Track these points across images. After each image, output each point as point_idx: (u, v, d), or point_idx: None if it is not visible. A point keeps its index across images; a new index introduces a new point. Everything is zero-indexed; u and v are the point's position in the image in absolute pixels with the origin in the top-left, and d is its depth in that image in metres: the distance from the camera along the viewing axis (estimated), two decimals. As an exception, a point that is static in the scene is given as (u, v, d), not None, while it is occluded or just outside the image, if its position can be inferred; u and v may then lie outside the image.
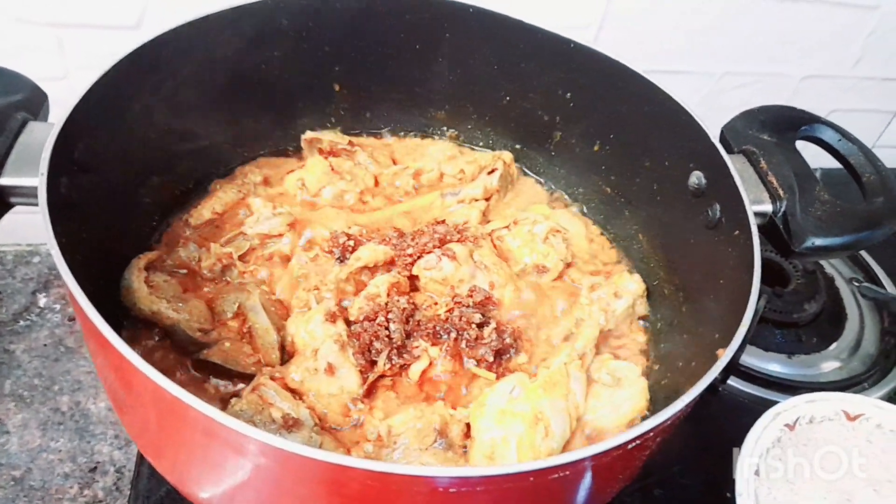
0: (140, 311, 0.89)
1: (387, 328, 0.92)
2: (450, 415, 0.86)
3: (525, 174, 1.28)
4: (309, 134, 1.19)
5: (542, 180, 1.27)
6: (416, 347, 0.93)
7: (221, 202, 1.08)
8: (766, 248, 0.87)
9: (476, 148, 1.30)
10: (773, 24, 1.52)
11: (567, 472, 0.60)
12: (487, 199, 1.17)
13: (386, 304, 0.94)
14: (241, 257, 1.01)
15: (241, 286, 0.96)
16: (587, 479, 0.65)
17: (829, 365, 1.30)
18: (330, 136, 1.19)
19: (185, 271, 0.99)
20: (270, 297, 0.97)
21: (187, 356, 0.90)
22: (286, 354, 0.92)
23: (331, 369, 0.86)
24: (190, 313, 0.91)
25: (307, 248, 1.04)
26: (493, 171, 1.18)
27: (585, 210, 1.23)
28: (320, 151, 1.18)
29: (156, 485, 1.01)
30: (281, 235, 1.04)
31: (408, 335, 0.94)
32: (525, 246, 1.10)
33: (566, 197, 1.25)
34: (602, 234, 1.20)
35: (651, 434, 0.64)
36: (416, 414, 0.84)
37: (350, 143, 1.20)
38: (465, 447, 0.85)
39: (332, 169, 1.14)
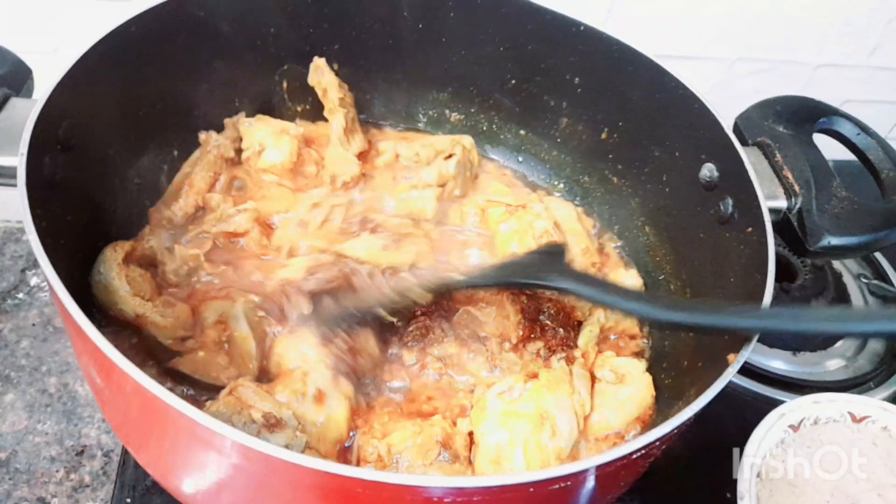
0: (120, 313, 0.83)
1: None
2: (451, 426, 0.82)
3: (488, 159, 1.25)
4: (317, 60, 1.12)
5: (516, 168, 1.25)
6: None
7: (201, 192, 1.02)
8: (777, 244, 0.83)
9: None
10: (788, 9, 1.48)
11: (569, 483, 0.58)
12: (442, 186, 1.12)
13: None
14: (206, 256, 0.95)
15: (228, 295, 0.91)
16: (589, 487, 0.63)
17: (834, 363, 1.27)
18: (331, 78, 1.13)
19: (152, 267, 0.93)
20: (256, 312, 0.91)
21: (155, 360, 0.85)
22: (265, 375, 0.87)
23: (320, 397, 0.80)
24: (176, 319, 0.85)
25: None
26: (450, 156, 1.12)
27: (590, 199, 1.20)
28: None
29: (142, 474, 0.98)
30: (247, 232, 0.99)
31: None
32: (517, 233, 1.06)
33: (547, 185, 1.23)
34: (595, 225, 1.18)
35: (657, 443, 0.61)
36: (414, 430, 0.80)
37: (342, 99, 1.13)
38: (470, 457, 0.81)
39: (300, 154, 1.09)
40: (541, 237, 1.04)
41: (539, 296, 1.00)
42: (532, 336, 0.95)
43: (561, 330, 0.96)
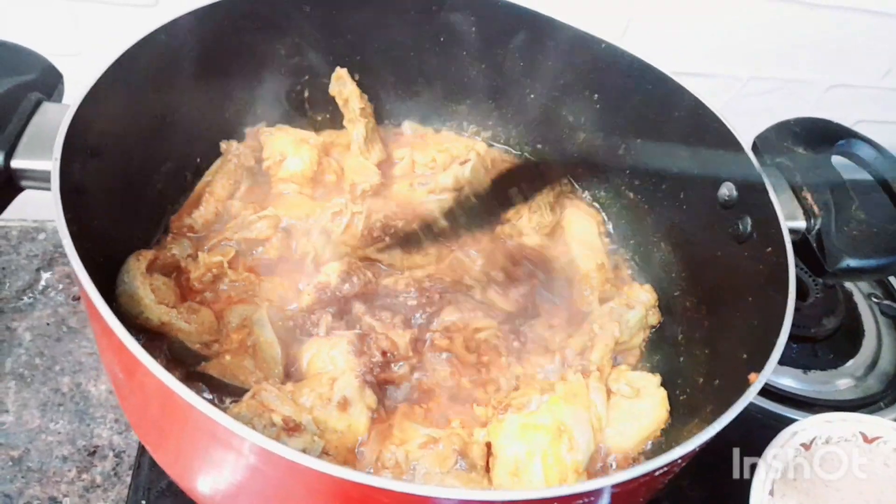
0: (146, 321, 0.83)
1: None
2: (468, 435, 0.82)
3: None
4: (339, 70, 1.14)
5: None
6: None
7: (221, 200, 1.03)
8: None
9: (495, 145, 1.27)
10: (802, 30, 1.48)
11: (591, 498, 0.58)
12: (458, 190, 1.13)
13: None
14: (229, 263, 0.96)
15: (250, 299, 0.91)
16: (609, 503, 0.63)
17: (844, 382, 1.27)
18: (352, 88, 1.14)
19: (174, 274, 0.93)
20: (282, 313, 0.92)
21: (182, 365, 0.85)
22: (289, 377, 0.88)
23: (345, 404, 0.81)
24: (201, 324, 0.86)
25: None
26: (465, 161, 1.14)
27: (605, 214, 1.21)
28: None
29: (156, 477, 0.99)
30: (268, 239, 1.00)
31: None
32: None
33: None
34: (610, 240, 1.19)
35: (679, 461, 0.61)
36: (432, 437, 0.81)
37: (363, 109, 1.15)
38: (487, 467, 0.81)
39: (320, 163, 1.10)
40: None
41: None
42: None
43: None
